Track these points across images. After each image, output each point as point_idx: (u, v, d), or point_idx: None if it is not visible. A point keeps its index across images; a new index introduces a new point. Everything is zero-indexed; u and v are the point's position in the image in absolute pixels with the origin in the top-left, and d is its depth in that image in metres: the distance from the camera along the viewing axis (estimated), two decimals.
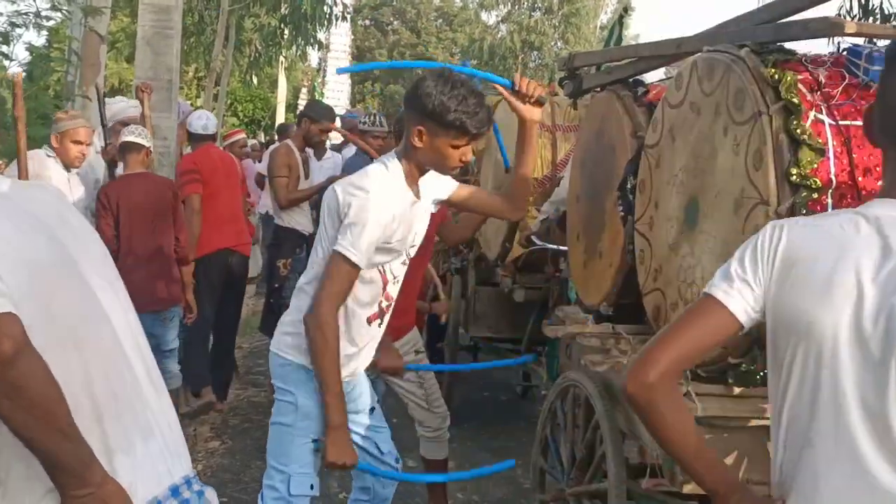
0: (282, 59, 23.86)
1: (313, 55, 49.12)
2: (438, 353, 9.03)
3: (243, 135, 13.18)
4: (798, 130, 3.62)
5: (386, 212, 3.69)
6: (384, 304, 3.97)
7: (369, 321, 3.95)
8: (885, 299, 1.86)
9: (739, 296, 1.99)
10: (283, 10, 15.97)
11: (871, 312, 1.87)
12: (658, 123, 4.38)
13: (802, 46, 4.00)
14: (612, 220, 4.80)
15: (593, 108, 5.25)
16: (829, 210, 3.65)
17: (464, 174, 8.24)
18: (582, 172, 5.33)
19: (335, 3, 17.47)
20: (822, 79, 3.80)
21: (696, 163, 4.09)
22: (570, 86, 5.33)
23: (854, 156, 3.69)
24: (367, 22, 55.05)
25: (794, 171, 3.59)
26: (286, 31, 16.54)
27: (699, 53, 4.15)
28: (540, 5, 46.98)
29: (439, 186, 4.07)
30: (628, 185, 4.62)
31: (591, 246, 5.10)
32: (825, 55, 3.98)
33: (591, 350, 4.63)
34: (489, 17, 49.70)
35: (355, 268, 3.67)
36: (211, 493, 2.36)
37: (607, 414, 4.30)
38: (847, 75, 3.83)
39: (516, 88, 3.88)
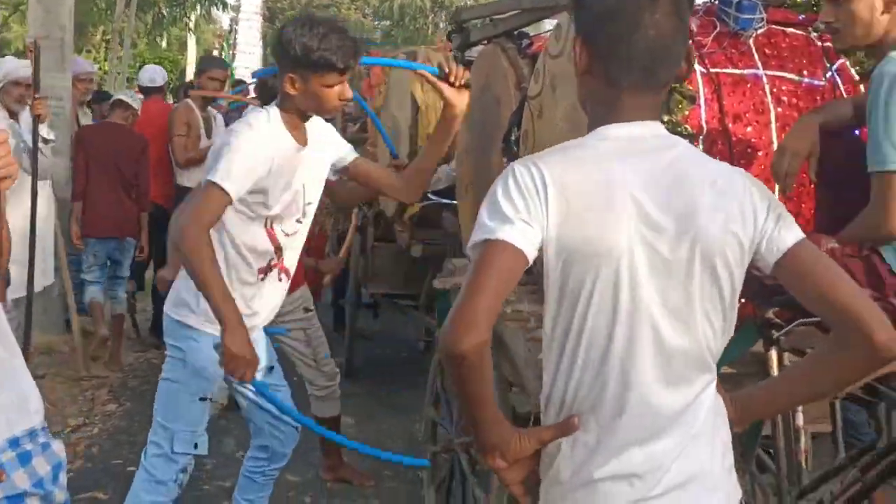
0: (187, 20, 23.46)
1: (223, 17, 48.46)
2: (342, 310, 9.05)
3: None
4: None
5: (263, 147, 3.64)
6: (274, 260, 3.89)
7: (259, 274, 3.89)
8: (680, 223, 2.02)
9: (522, 235, 2.01)
10: None
11: (667, 232, 2.02)
12: (540, 74, 4.40)
13: None
14: (499, 172, 4.80)
15: (479, 62, 5.26)
16: None
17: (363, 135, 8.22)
18: (470, 126, 5.34)
19: None
20: (695, 28, 3.85)
21: (576, 112, 4.10)
22: (457, 39, 5.33)
23: (724, 103, 3.76)
24: None
25: (666, 118, 3.63)
26: None
27: None
28: None
29: (335, 147, 4.02)
30: (513, 137, 4.64)
31: (480, 199, 5.09)
32: (698, 4, 4.03)
33: None
34: None
35: (226, 195, 3.55)
36: (58, 445, 2.39)
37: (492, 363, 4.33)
38: (718, 24, 3.89)
39: (444, 75, 3.81)
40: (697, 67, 3.76)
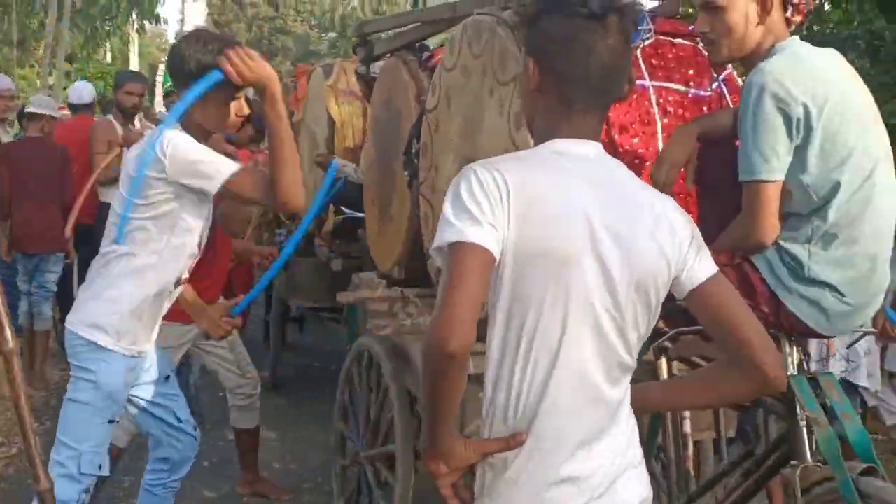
0: (123, 33, 23.23)
1: (169, 30, 48.14)
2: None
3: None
4: None
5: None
6: (185, 276, 3.83)
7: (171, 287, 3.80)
8: (623, 244, 2.15)
9: (491, 236, 2.06)
10: None
11: (613, 251, 2.14)
12: (436, 87, 4.42)
13: None
14: (401, 186, 4.83)
15: (382, 75, 5.27)
16: None
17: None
18: (375, 139, 5.36)
19: None
20: None
21: (469, 125, 4.14)
22: (362, 52, 5.33)
23: (610, 114, 3.77)
24: None
25: None
26: (121, 5, 16.08)
27: (470, 17, 4.19)
28: None
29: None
30: (413, 150, 4.65)
31: (384, 212, 5.13)
32: None
33: (380, 314, 4.67)
34: None
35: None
36: None
37: (395, 376, 4.34)
38: None
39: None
40: None
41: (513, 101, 3.77)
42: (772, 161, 3.03)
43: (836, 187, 3.05)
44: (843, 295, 3.10)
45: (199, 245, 3.79)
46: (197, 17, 44.65)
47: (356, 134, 6.91)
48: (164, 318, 3.89)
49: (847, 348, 5.84)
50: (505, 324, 2.16)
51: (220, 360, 5.40)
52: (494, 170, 2.14)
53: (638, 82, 3.88)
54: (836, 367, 5.73)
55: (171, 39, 47.74)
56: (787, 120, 3.00)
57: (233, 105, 3.66)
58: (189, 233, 3.68)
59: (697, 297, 2.25)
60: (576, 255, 2.11)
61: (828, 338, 3.26)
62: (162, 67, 40.21)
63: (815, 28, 8.63)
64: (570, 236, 2.12)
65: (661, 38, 4.03)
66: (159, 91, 27.07)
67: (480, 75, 4.03)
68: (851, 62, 7.63)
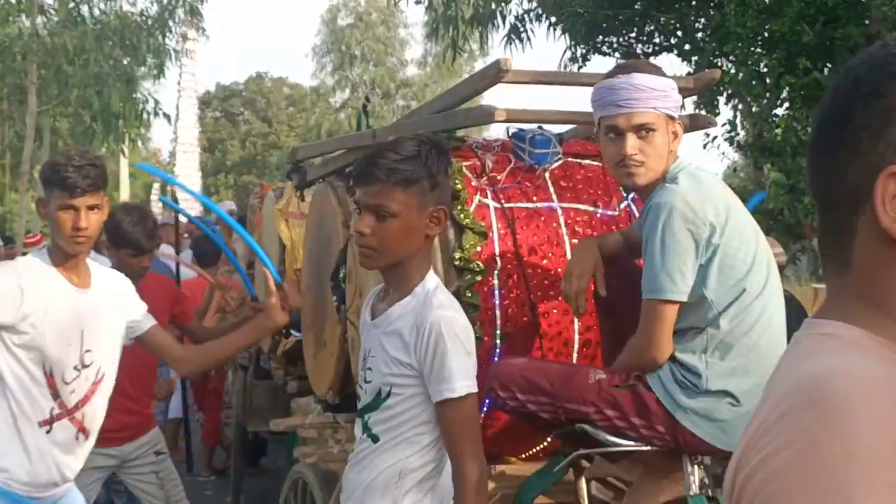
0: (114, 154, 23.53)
1: (164, 149, 48.66)
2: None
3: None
4: (461, 215, 3.74)
5: (10, 280, 3.53)
6: (56, 411, 3.66)
7: (40, 424, 3.64)
8: None
9: None
10: (95, 106, 15.77)
11: None
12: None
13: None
14: (332, 311, 4.85)
15: (314, 200, 5.33)
16: (496, 290, 3.77)
17: None
18: (309, 264, 5.39)
19: (146, 101, 17.36)
20: (490, 164, 3.94)
21: None
22: (296, 178, 5.40)
23: (518, 236, 3.82)
24: (218, 114, 54.77)
25: (457, 255, 3.70)
26: (97, 129, 16.36)
27: None
28: (378, 91, 47.66)
29: (131, 306, 3.92)
30: (340, 275, 4.68)
31: (319, 336, 5.14)
32: (495, 141, 4.13)
33: (311, 441, 4.66)
34: (336, 102, 50.18)
35: None
36: None
37: None
38: (514, 159, 3.98)
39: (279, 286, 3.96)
40: (491, 203, 3.85)
41: None
42: (678, 283, 3.08)
43: (735, 300, 3.11)
44: (740, 404, 3.12)
45: (59, 380, 3.66)
46: (190, 134, 44.96)
47: (299, 258, 6.93)
48: None
49: None
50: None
51: (146, 496, 5.28)
52: None
53: (546, 204, 3.94)
54: None
55: (166, 158, 48.33)
56: (696, 241, 3.08)
57: (70, 214, 3.56)
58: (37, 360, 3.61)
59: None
60: None
61: (730, 454, 3.23)
62: (156, 187, 40.65)
63: (765, 135, 8.77)
64: None
65: (570, 159, 4.09)
66: (156, 210, 27.34)
67: None
68: (803, 168, 7.82)
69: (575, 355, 3.89)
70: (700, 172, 3.28)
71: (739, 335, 3.13)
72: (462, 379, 2.69)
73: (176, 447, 8.51)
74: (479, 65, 40.38)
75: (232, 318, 6.35)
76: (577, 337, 3.88)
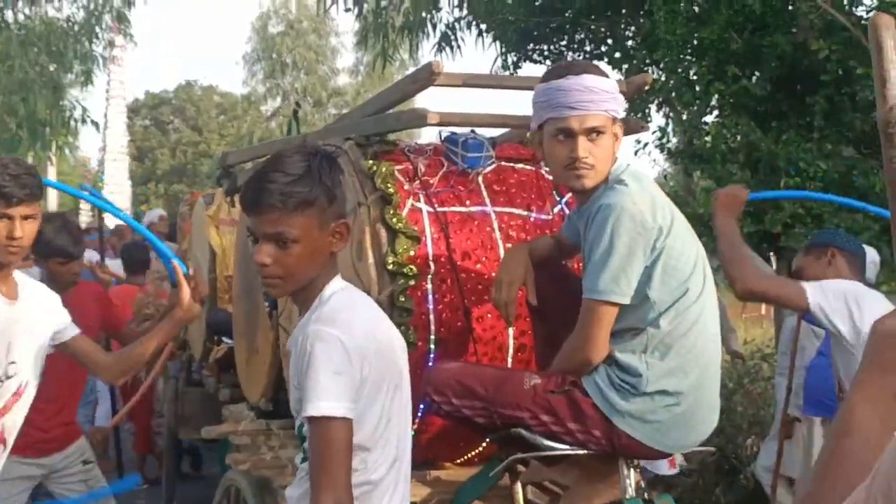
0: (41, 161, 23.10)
1: (93, 157, 47.98)
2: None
3: None
4: (394, 219, 3.71)
5: None
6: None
7: None
8: None
9: None
10: (20, 113, 15.46)
11: None
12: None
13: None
14: (264, 317, 4.79)
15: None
16: (430, 295, 3.74)
17: None
18: (240, 271, 5.33)
19: (73, 108, 17.05)
20: (422, 167, 3.91)
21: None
22: (226, 183, 5.34)
23: (452, 240, 3.80)
24: (147, 122, 54.10)
25: (390, 259, 3.67)
26: (23, 137, 16.03)
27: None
28: (310, 99, 47.44)
29: (56, 317, 3.82)
30: None
31: (251, 343, 5.08)
32: (428, 144, 4.10)
33: (244, 448, 4.59)
34: (267, 110, 49.83)
35: None
36: None
37: None
38: (446, 163, 3.96)
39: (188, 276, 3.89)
40: (424, 207, 3.82)
41: (354, 231, 3.77)
42: (622, 285, 3.07)
43: (677, 301, 3.11)
44: (678, 403, 3.13)
45: None
46: (119, 143, 44.39)
47: (230, 265, 6.86)
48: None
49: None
50: None
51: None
52: None
53: (480, 208, 3.92)
54: None
55: (95, 167, 47.69)
56: (644, 243, 3.06)
57: (3, 224, 3.50)
58: None
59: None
60: None
61: (667, 456, 3.25)
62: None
63: (695, 142, 8.84)
64: None
65: (504, 163, 4.08)
66: (84, 218, 26.88)
67: None
68: (733, 174, 7.92)
69: (509, 360, 3.87)
70: (642, 174, 3.29)
71: (678, 336, 3.14)
72: (324, 399, 2.41)
73: (105, 456, 8.35)
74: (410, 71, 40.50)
75: None
76: (511, 341, 3.86)
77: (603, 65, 13.19)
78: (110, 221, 11.99)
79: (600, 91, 3.14)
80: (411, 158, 3.94)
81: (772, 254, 8.59)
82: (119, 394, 8.40)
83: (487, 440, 3.70)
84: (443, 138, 4.04)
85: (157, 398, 8.84)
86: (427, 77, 3.71)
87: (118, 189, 45.77)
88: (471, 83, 3.99)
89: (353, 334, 2.50)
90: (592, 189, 3.23)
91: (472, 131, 4.06)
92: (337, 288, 2.62)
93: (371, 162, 3.81)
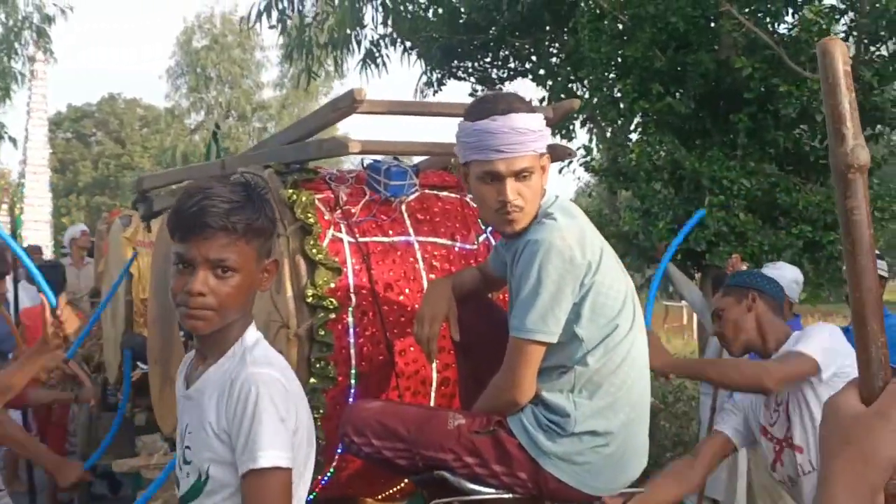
0: None
1: (13, 170, 46.97)
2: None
3: None
4: (314, 251, 3.59)
5: None
6: None
7: None
8: None
9: None
10: None
11: None
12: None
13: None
14: (180, 345, 4.65)
15: (161, 231, 5.11)
16: (351, 328, 3.62)
17: None
18: (156, 296, 5.16)
19: None
20: (344, 196, 3.79)
21: None
22: (142, 208, 5.17)
23: (374, 272, 3.69)
24: (69, 135, 53.17)
25: (310, 291, 3.54)
26: None
27: (235, 175, 4.08)
28: (234, 113, 47.02)
29: None
30: None
31: (165, 371, 4.93)
32: (350, 172, 3.99)
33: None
34: (191, 124, 49.20)
35: None
36: None
37: None
38: (368, 191, 3.85)
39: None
40: (345, 237, 3.70)
41: None
42: (549, 324, 2.97)
43: (606, 337, 3.03)
44: (607, 444, 3.05)
45: None
46: (40, 156, 43.59)
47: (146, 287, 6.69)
48: None
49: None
50: None
51: None
52: None
53: (403, 238, 3.82)
54: None
55: (15, 179, 46.68)
56: (573, 280, 2.97)
57: None
58: None
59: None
60: None
61: (596, 499, 3.16)
62: (4, 207, 39.18)
63: (620, 160, 8.84)
64: None
65: (428, 192, 3.98)
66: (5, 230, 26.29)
67: None
68: (657, 192, 7.91)
69: (433, 394, 3.77)
70: (572, 206, 3.19)
71: (607, 373, 3.05)
72: (270, 448, 2.18)
73: (16, 480, 8.08)
74: (336, 85, 40.23)
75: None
76: (434, 375, 3.77)
77: (527, 82, 13.14)
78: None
79: (527, 132, 2.99)
80: (332, 187, 3.82)
81: (696, 271, 8.62)
82: (32, 415, 8.11)
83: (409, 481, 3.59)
84: (365, 166, 3.93)
85: (71, 418, 8.58)
86: (349, 105, 3.60)
87: (39, 202, 44.88)
88: (395, 111, 3.88)
89: (290, 378, 2.33)
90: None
91: (396, 158, 3.95)
92: (259, 336, 2.42)
93: (291, 191, 3.68)
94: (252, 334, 2.40)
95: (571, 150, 4.01)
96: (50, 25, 16.90)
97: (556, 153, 3.95)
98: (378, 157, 3.94)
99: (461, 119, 3.12)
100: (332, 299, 3.55)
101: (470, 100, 3.66)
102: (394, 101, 3.85)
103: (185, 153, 43.28)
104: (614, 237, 8.97)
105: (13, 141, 17.55)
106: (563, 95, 10.07)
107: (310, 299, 3.54)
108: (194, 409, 2.35)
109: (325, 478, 3.73)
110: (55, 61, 20.40)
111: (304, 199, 3.66)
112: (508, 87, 11.88)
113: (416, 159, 4.26)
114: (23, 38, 16.73)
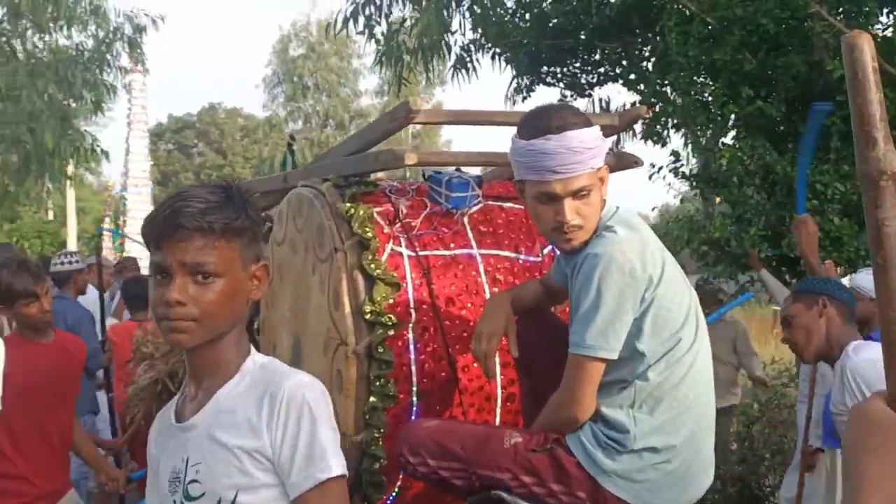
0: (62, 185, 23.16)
1: (117, 184, 48.09)
2: None
3: None
4: (372, 265, 3.50)
5: None
6: None
7: None
8: None
9: None
10: (28, 144, 15.34)
11: None
12: (269, 261, 4.21)
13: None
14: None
15: None
16: (411, 345, 3.53)
17: None
18: None
19: (83, 138, 16.90)
20: (404, 209, 3.70)
21: (297, 302, 3.94)
22: None
23: (434, 286, 3.59)
24: (171, 146, 54.26)
25: (368, 308, 3.46)
26: (32, 168, 15.85)
27: (295, 189, 4.03)
28: (332, 121, 47.45)
29: None
30: (255, 326, 4.43)
31: None
32: (411, 184, 3.90)
33: None
34: (289, 132, 49.79)
35: None
36: None
37: None
38: (429, 203, 3.75)
39: None
40: (405, 251, 3.61)
41: (330, 279, 3.58)
42: (610, 340, 2.87)
43: (668, 352, 2.91)
44: (668, 461, 2.93)
45: None
46: (141, 169, 44.53)
47: None
48: None
49: None
50: None
51: None
52: None
53: (465, 251, 3.71)
54: None
55: (118, 192, 47.77)
56: (634, 294, 2.86)
57: None
58: None
59: None
60: None
61: None
62: (107, 221, 40.06)
63: (711, 165, 8.62)
64: None
65: (490, 202, 3.86)
66: (108, 245, 26.83)
67: (304, 251, 3.85)
68: (749, 197, 7.68)
69: (498, 410, 3.66)
70: (633, 218, 3.07)
71: (669, 388, 2.94)
72: (335, 456, 2.07)
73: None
74: (437, 92, 40.28)
75: (161, 363, 6.09)
76: (500, 391, 3.65)
77: (618, 87, 12.89)
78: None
79: (583, 150, 2.86)
80: (392, 200, 3.72)
81: (791, 277, 8.36)
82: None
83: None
84: (426, 177, 3.83)
85: None
86: (405, 115, 3.51)
87: (141, 215, 45.77)
88: (451, 120, 3.78)
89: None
90: None
91: (458, 169, 3.85)
92: (266, 359, 2.26)
93: (349, 205, 3.60)
94: (258, 357, 2.25)
95: (638, 158, 3.85)
96: (141, 36, 17.10)
97: (623, 162, 3.81)
98: (440, 169, 3.84)
99: (514, 134, 3.00)
100: (391, 315, 3.46)
101: None
102: (451, 110, 3.76)
103: (283, 163, 43.85)
104: (707, 245, 8.76)
105: (105, 154, 17.69)
106: (653, 100, 9.89)
107: (368, 316, 3.45)
108: (197, 442, 2.18)
109: (390, 498, 3.64)
110: (147, 72, 20.69)
111: (361, 212, 3.58)
112: (598, 93, 11.74)
113: (481, 170, 4.15)
114: (114, 49, 16.93)
